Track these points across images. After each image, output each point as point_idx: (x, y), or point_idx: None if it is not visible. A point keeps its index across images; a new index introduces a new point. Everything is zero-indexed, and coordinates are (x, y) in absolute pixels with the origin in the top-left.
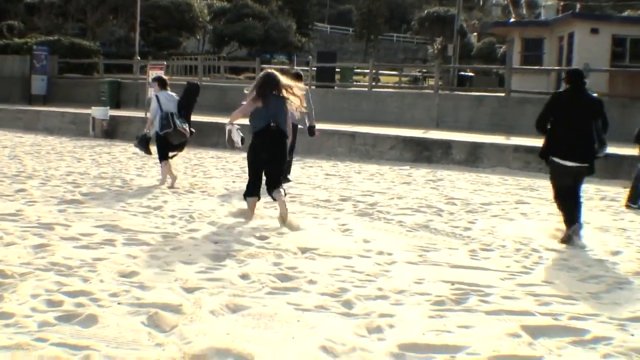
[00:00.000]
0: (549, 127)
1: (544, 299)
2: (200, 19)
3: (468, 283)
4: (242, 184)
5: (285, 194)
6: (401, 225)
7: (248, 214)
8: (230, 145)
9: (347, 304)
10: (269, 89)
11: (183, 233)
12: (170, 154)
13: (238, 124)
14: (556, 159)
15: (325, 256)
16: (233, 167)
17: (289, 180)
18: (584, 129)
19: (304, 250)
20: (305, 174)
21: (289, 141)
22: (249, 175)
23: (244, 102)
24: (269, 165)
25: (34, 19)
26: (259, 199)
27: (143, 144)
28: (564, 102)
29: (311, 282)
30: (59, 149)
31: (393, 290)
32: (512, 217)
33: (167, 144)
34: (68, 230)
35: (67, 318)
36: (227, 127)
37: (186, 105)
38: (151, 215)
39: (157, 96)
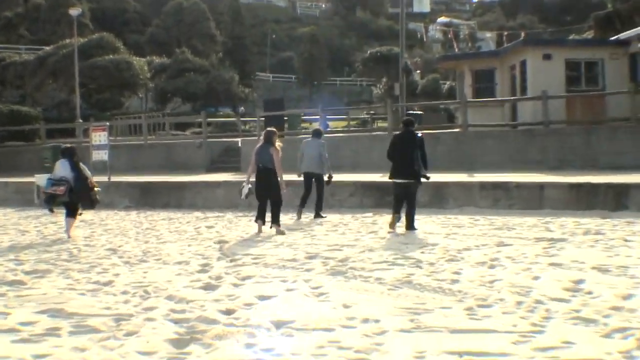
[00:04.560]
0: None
1: None
2: (141, 77)
3: (477, 352)
4: (199, 246)
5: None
6: (380, 283)
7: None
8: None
9: None
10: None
11: (138, 313)
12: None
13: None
14: (394, 179)
15: (304, 330)
16: (187, 228)
17: (322, 217)
18: (407, 157)
19: (278, 325)
20: (266, 230)
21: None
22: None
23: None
24: (265, 194)
25: None
26: (264, 222)
27: (48, 202)
28: (397, 140)
29: None
30: (2, 222)
31: None
32: (500, 263)
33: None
34: (7, 319)
35: None
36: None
37: (72, 168)
38: (101, 293)
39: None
